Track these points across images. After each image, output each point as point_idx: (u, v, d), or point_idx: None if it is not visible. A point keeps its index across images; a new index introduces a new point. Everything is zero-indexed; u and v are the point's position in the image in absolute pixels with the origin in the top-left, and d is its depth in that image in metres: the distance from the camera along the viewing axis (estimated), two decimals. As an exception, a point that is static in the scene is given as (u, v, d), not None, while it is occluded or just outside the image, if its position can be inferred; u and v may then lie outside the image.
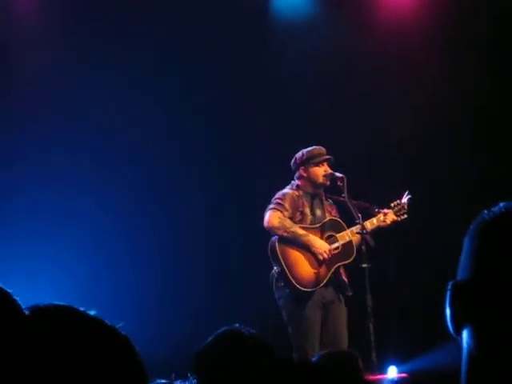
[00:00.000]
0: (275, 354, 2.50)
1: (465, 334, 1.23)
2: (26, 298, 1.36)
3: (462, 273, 1.26)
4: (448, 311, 1.24)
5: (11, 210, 7.25)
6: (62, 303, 1.20)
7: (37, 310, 1.18)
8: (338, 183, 6.07)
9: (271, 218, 5.99)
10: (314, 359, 3.76)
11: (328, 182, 6.12)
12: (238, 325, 2.49)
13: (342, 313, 6.01)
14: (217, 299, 7.38)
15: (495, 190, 6.93)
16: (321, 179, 6.09)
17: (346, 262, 6.04)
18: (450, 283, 1.25)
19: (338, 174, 6.09)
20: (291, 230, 5.95)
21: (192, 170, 7.71)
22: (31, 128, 7.42)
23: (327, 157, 6.11)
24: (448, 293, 1.25)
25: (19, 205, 7.25)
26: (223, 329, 2.42)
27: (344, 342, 5.88)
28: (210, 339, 2.35)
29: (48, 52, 7.50)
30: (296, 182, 6.18)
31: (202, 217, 7.67)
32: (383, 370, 6.55)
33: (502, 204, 1.33)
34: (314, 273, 5.95)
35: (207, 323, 6.60)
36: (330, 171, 6.09)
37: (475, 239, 1.26)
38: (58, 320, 1.16)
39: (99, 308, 1.28)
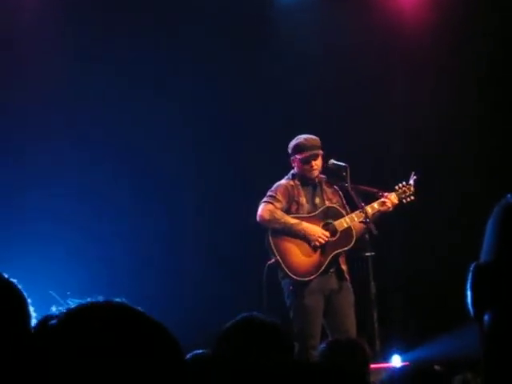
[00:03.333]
0: (292, 341, 2.50)
1: (486, 317, 1.20)
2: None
3: (485, 255, 1.24)
4: (469, 293, 1.22)
5: (10, 211, 7.24)
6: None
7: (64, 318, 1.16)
8: (342, 173, 6.02)
9: (262, 211, 5.96)
10: (321, 347, 3.75)
11: (316, 175, 6.00)
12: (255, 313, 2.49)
13: (347, 301, 5.96)
14: (217, 294, 7.37)
15: (500, 178, 6.93)
16: (307, 174, 6.03)
17: (344, 248, 5.98)
18: (473, 265, 1.23)
19: (341, 164, 6.05)
20: (282, 220, 5.92)
21: (192, 168, 7.67)
22: (32, 128, 7.38)
23: (314, 154, 5.98)
24: (470, 275, 1.23)
25: (18, 206, 7.23)
26: (244, 314, 2.42)
27: (351, 331, 5.82)
28: (230, 323, 2.35)
29: (50, 49, 7.47)
30: (292, 170, 6.13)
31: (202, 211, 7.68)
32: (387, 359, 6.56)
33: None
34: (311, 261, 5.92)
35: (209, 316, 6.65)
36: (318, 166, 6.01)
37: (498, 222, 1.25)
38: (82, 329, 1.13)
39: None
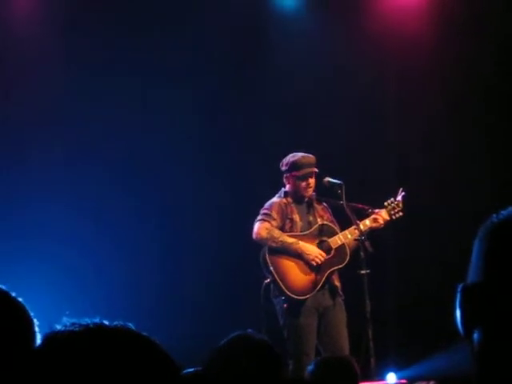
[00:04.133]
0: (282, 361, 2.51)
1: (475, 336, 1.23)
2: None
3: (472, 275, 1.26)
4: (458, 313, 1.24)
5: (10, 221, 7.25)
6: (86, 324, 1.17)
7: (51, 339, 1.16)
8: (338, 191, 6.04)
9: (259, 229, 5.97)
10: (309, 367, 3.76)
11: (310, 194, 6.05)
12: (250, 330, 2.50)
13: (340, 318, 5.97)
14: (215, 314, 7.36)
15: (493, 192, 6.96)
16: (302, 191, 6.06)
17: (339, 266, 5.99)
18: (460, 286, 1.26)
19: (336, 181, 6.08)
20: (280, 239, 5.92)
21: (194, 173, 7.67)
22: (30, 135, 7.41)
23: (310, 171, 6.01)
24: (458, 295, 1.25)
25: (18, 216, 7.25)
26: (236, 333, 2.43)
27: (345, 348, 5.85)
28: (223, 342, 2.37)
29: (50, 54, 7.52)
30: (284, 188, 6.16)
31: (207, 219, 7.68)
32: (382, 377, 6.55)
33: (511, 207, 1.34)
34: (308, 280, 5.93)
35: (208, 327, 6.64)
36: (312, 184, 6.05)
37: (484, 242, 1.27)
38: (68, 352, 1.13)
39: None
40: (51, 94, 7.48)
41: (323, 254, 5.95)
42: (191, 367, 2.35)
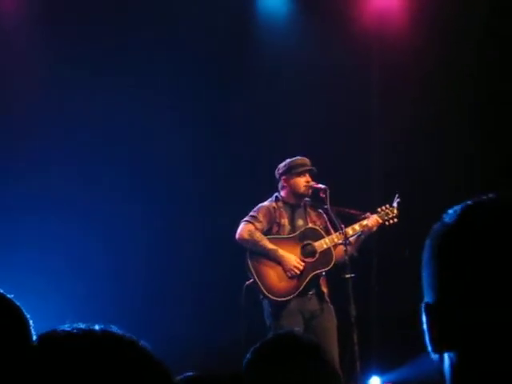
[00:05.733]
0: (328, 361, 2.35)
1: (445, 356, 1.17)
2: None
3: (429, 292, 1.15)
4: (425, 333, 1.17)
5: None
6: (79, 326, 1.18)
7: (45, 338, 1.18)
8: (321, 194, 6.06)
9: (242, 230, 6.00)
10: None
11: (309, 192, 6.12)
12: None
13: (329, 323, 5.97)
14: (198, 315, 7.37)
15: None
16: (302, 189, 6.09)
17: (323, 269, 6.00)
18: (422, 305, 1.16)
19: (320, 186, 6.08)
20: (260, 243, 5.95)
21: (192, 172, 7.72)
22: (31, 134, 7.43)
23: (309, 167, 6.11)
24: (422, 315, 1.17)
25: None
26: (282, 332, 2.33)
27: (333, 353, 5.77)
28: (257, 346, 2.25)
29: (48, 55, 7.52)
30: (278, 193, 6.20)
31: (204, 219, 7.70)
32: (367, 380, 6.57)
33: (458, 207, 1.20)
34: (289, 282, 5.93)
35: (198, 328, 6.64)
36: (311, 182, 6.09)
37: (434, 254, 1.16)
38: (62, 350, 1.14)
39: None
40: (48, 95, 7.50)
41: (301, 263, 5.94)
42: (185, 371, 2.33)
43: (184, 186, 7.63)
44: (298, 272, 5.93)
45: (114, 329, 1.18)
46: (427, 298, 1.17)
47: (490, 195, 1.19)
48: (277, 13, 8.05)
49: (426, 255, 1.19)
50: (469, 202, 1.19)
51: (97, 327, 1.17)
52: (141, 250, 7.56)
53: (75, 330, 1.16)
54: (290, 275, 5.93)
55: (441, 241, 1.17)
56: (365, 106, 7.89)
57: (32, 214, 7.27)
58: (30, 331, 1.42)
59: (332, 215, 6.02)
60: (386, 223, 6.15)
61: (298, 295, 5.91)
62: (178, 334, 6.95)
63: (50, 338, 1.17)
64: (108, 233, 7.49)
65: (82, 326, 1.17)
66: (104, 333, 1.17)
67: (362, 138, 7.80)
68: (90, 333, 1.16)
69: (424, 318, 1.16)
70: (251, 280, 5.97)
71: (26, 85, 7.47)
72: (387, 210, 6.18)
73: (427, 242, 1.19)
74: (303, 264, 5.96)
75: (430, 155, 7.75)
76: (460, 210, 1.18)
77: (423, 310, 1.16)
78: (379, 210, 6.18)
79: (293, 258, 5.97)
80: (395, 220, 6.15)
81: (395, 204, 6.19)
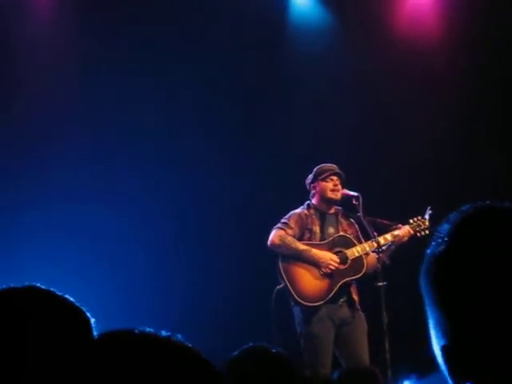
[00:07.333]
0: (296, 374, 2.45)
1: None
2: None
3: (440, 335, 1.10)
4: (445, 369, 1.11)
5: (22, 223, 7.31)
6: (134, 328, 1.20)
7: (105, 336, 1.21)
8: (354, 202, 6.08)
9: (273, 236, 6.05)
10: (334, 375, 3.77)
11: (338, 197, 6.13)
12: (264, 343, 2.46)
13: (360, 330, 5.99)
14: (228, 319, 7.38)
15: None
16: (329, 194, 6.12)
17: (353, 277, 6.02)
18: (440, 348, 1.10)
19: (352, 193, 6.11)
20: (292, 246, 5.98)
21: (217, 184, 7.74)
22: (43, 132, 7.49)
23: (334, 171, 6.13)
24: (440, 355, 1.11)
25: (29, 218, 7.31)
26: (250, 344, 2.41)
27: (365, 359, 5.87)
28: (236, 353, 2.34)
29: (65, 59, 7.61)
30: (309, 201, 6.23)
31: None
32: (399, 388, 6.55)
33: (447, 227, 1.11)
34: (320, 287, 5.95)
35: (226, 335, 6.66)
36: (339, 186, 6.11)
37: (435, 289, 1.09)
38: (122, 348, 1.17)
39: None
40: (63, 95, 7.56)
41: (336, 259, 5.97)
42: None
43: (217, 195, 7.67)
44: (333, 268, 5.93)
45: (179, 337, 1.21)
46: (440, 339, 1.12)
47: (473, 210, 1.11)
48: (309, 20, 8.07)
49: (424, 280, 1.13)
50: (456, 223, 1.11)
51: (163, 333, 1.20)
52: (175, 258, 7.60)
53: (140, 332, 1.19)
54: (328, 270, 5.94)
55: (437, 269, 1.10)
56: (397, 115, 7.88)
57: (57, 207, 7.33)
58: (91, 331, 1.47)
59: (365, 223, 6.03)
60: (418, 234, 6.18)
61: (328, 302, 5.93)
62: (207, 341, 6.96)
63: (113, 337, 1.20)
64: (141, 238, 7.56)
65: (148, 329, 1.20)
66: (169, 339, 1.19)
67: (397, 148, 7.79)
68: (154, 337, 1.19)
69: (441, 358, 1.13)
70: (282, 285, 6.00)
71: (55, 82, 7.55)
72: (419, 222, 6.21)
73: (424, 264, 1.12)
74: (338, 261, 5.97)
75: (462, 165, 7.73)
76: (451, 235, 1.10)
77: (441, 351, 1.12)
78: (411, 221, 6.22)
79: (328, 254, 6.00)
80: (427, 232, 6.17)
81: (427, 216, 6.22)
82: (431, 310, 1.12)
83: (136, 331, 1.19)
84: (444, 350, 1.10)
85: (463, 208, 1.13)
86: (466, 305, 1.06)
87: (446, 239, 1.09)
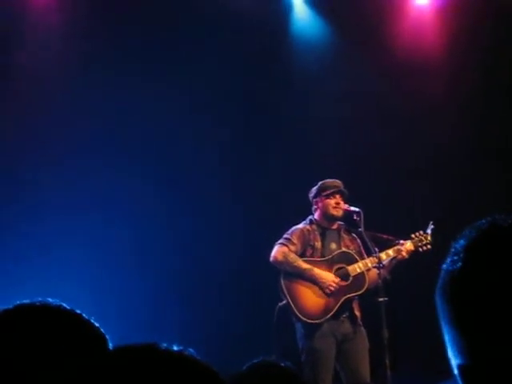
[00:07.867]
0: None
1: None
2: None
3: (457, 354, 1.08)
4: None
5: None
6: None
7: (119, 351, 1.23)
8: (355, 217, 6.09)
9: (276, 252, 6.05)
10: None
11: (340, 214, 6.14)
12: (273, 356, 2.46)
13: (361, 346, 6.00)
14: (230, 334, 7.38)
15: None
16: (331, 210, 6.12)
17: (355, 293, 6.03)
18: (457, 367, 1.09)
19: (354, 209, 6.11)
20: (295, 264, 5.98)
21: (219, 198, 7.77)
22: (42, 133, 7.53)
23: (337, 188, 6.14)
24: (457, 373, 1.10)
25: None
26: (260, 359, 2.42)
27: (365, 377, 5.87)
28: (244, 368, 2.34)
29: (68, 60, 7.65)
30: (312, 216, 6.25)
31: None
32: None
33: (462, 243, 1.08)
34: (322, 304, 5.96)
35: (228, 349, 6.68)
36: (341, 203, 6.13)
37: (451, 307, 1.06)
38: (136, 361, 1.18)
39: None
40: (59, 100, 7.59)
41: (337, 281, 5.99)
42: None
43: (221, 207, 7.69)
44: (333, 289, 5.95)
45: (191, 351, 1.23)
46: (456, 357, 1.10)
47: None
48: (310, 35, 8.12)
49: (441, 301, 1.10)
50: (468, 244, 1.09)
51: (175, 347, 1.22)
52: (173, 270, 7.61)
53: (152, 346, 1.21)
54: (328, 291, 5.96)
55: (455, 290, 1.07)
56: (398, 133, 7.91)
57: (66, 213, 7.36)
58: (107, 345, 1.49)
59: (366, 238, 6.05)
60: (420, 249, 6.17)
61: (330, 318, 5.94)
62: (210, 355, 6.96)
63: (127, 352, 1.22)
64: (142, 239, 7.57)
65: (161, 344, 1.22)
66: (181, 353, 1.21)
67: (398, 165, 7.82)
68: (167, 351, 1.21)
69: (458, 376, 1.11)
70: (284, 302, 6.02)
71: (61, 84, 7.57)
72: (421, 237, 6.20)
73: (441, 290, 1.09)
74: (338, 282, 5.99)
75: (466, 182, 7.75)
76: (467, 252, 1.08)
77: (457, 370, 1.10)
78: (413, 236, 6.21)
79: (329, 275, 6.01)
80: (429, 247, 6.17)
81: (429, 231, 6.21)
82: (447, 328, 1.09)
83: (148, 345, 1.21)
84: (461, 368, 1.09)
85: (478, 223, 1.11)
86: (483, 324, 1.03)
87: (461, 256, 1.07)
